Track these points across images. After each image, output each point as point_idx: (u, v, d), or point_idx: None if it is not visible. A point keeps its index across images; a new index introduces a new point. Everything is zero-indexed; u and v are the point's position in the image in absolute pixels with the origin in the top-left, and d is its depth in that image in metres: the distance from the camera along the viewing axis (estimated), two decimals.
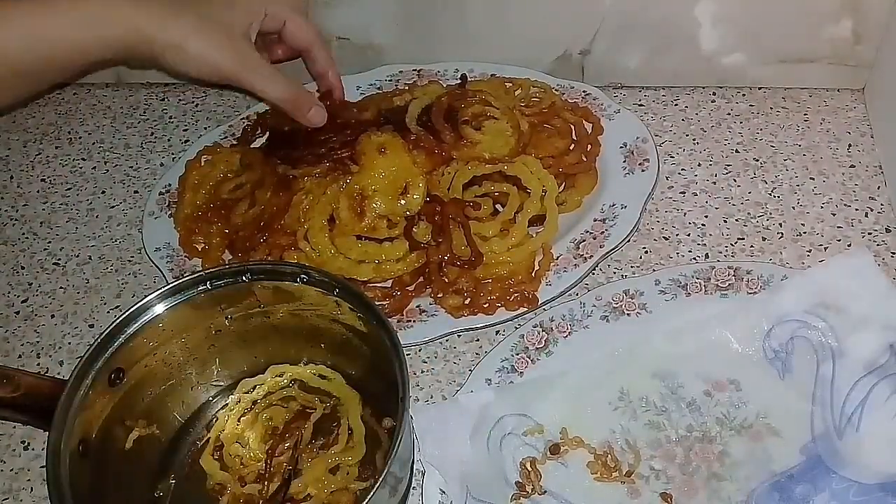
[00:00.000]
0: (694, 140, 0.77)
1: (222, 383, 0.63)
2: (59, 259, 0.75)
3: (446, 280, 0.64)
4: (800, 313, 0.59)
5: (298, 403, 0.61)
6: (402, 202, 0.67)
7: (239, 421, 0.61)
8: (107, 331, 0.56)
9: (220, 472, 0.58)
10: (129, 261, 0.74)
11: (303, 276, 0.57)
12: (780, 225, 0.69)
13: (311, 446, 0.58)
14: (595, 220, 0.68)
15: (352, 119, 0.73)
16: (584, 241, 0.66)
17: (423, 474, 0.55)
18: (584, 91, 0.77)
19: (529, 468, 0.56)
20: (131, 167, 0.82)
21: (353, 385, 0.61)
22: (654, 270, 0.66)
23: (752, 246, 0.68)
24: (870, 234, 0.68)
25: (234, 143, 0.78)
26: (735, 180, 0.73)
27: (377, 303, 0.59)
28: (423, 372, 0.64)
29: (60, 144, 0.86)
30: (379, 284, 0.66)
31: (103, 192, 0.80)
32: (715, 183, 0.73)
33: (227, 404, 0.62)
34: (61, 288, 0.73)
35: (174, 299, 0.58)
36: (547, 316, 0.62)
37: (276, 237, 0.68)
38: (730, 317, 0.61)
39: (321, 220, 0.67)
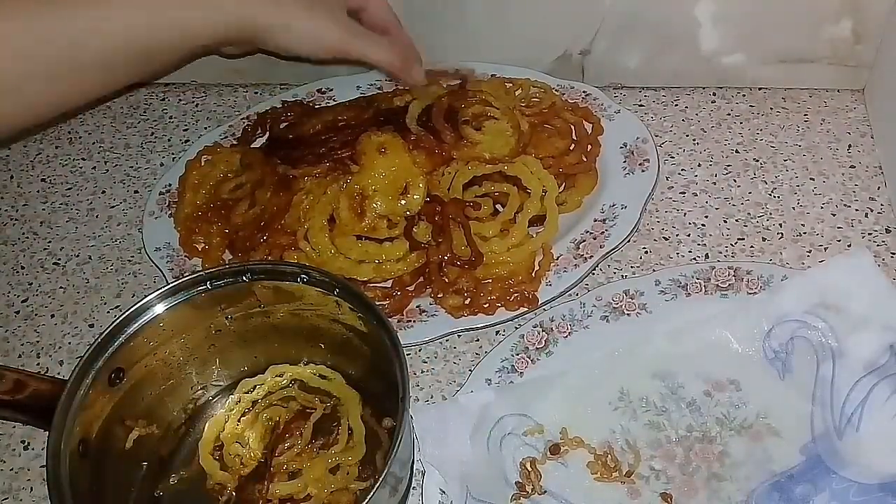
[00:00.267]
0: (694, 140, 0.77)
1: (222, 383, 0.63)
2: (59, 259, 0.75)
3: (446, 280, 0.64)
4: (800, 313, 0.59)
5: (298, 403, 0.61)
6: (403, 202, 0.67)
7: (239, 421, 0.61)
8: (107, 331, 0.56)
9: (220, 472, 0.58)
10: (129, 261, 0.74)
11: (303, 276, 0.57)
12: (780, 225, 0.69)
13: (311, 446, 0.58)
14: (595, 221, 0.68)
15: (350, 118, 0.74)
16: (584, 241, 0.66)
17: (423, 474, 0.55)
18: (584, 91, 0.77)
19: (529, 468, 0.56)
20: (131, 167, 0.82)
21: (353, 385, 0.61)
22: (654, 270, 0.66)
23: (752, 246, 0.68)
24: (870, 234, 0.68)
25: (235, 143, 0.78)
26: (735, 180, 0.73)
27: (377, 303, 0.59)
28: (423, 372, 0.64)
29: (60, 144, 0.86)
30: (379, 284, 0.66)
31: (103, 192, 0.80)
32: (715, 183, 0.73)
33: (227, 404, 0.62)
34: (61, 288, 0.73)
35: (174, 299, 0.58)
36: (547, 316, 0.62)
37: (276, 237, 0.68)
38: (730, 317, 0.61)
39: (321, 220, 0.67)
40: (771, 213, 0.70)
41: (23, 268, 0.75)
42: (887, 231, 0.68)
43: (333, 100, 0.81)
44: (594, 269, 0.66)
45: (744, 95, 0.80)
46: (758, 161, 0.74)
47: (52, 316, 0.71)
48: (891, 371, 0.56)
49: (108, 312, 0.70)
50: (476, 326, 0.63)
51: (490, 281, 0.65)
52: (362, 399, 0.60)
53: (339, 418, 0.60)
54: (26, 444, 0.63)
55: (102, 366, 0.55)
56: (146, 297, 0.57)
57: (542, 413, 0.59)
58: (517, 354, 0.61)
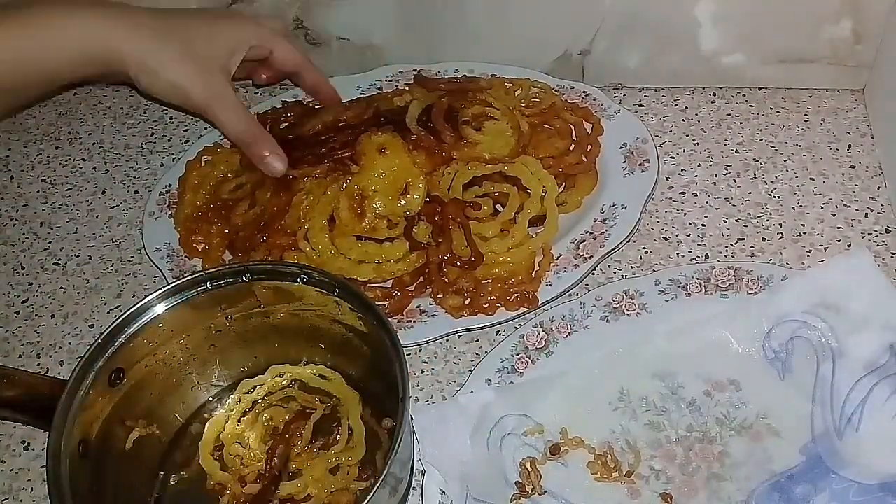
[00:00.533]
0: (694, 140, 0.77)
1: (222, 383, 0.63)
2: (60, 259, 0.75)
3: (446, 280, 0.64)
4: (800, 313, 0.59)
5: (298, 404, 0.61)
6: (403, 202, 0.67)
7: (239, 421, 0.61)
8: (107, 331, 0.56)
9: (220, 472, 0.58)
10: (130, 261, 0.74)
11: (303, 276, 0.57)
12: (780, 225, 0.69)
13: (311, 446, 0.58)
14: (595, 221, 0.68)
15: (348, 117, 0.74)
16: (584, 241, 0.66)
17: (423, 474, 0.55)
18: (584, 91, 0.77)
19: (529, 468, 0.56)
20: (131, 167, 0.82)
21: (353, 385, 0.61)
22: (654, 271, 0.66)
23: (752, 246, 0.68)
24: (870, 234, 0.68)
25: None
26: (735, 180, 0.73)
27: (377, 303, 0.59)
28: (423, 372, 0.64)
29: (61, 144, 0.86)
30: (379, 285, 0.66)
31: (103, 193, 0.80)
32: (715, 183, 0.73)
33: (227, 404, 0.62)
34: (61, 288, 0.73)
35: (174, 299, 0.58)
36: (547, 316, 0.62)
37: (276, 237, 0.68)
38: (730, 317, 0.61)
39: (321, 220, 0.67)
40: (771, 213, 0.70)
41: (23, 268, 0.75)
42: (887, 231, 0.68)
43: None
44: (594, 270, 0.66)
45: (744, 95, 0.80)
46: (758, 161, 0.74)
47: (53, 316, 0.71)
48: (891, 371, 0.56)
49: (109, 313, 0.70)
50: (476, 326, 0.63)
51: (490, 281, 0.65)
52: (362, 399, 0.60)
53: (339, 418, 0.60)
54: (26, 444, 0.63)
55: (102, 366, 0.55)
56: (146, 297, 0.57)
57: (542, 413, 0.59)
58: (517, 354, 0.61)
